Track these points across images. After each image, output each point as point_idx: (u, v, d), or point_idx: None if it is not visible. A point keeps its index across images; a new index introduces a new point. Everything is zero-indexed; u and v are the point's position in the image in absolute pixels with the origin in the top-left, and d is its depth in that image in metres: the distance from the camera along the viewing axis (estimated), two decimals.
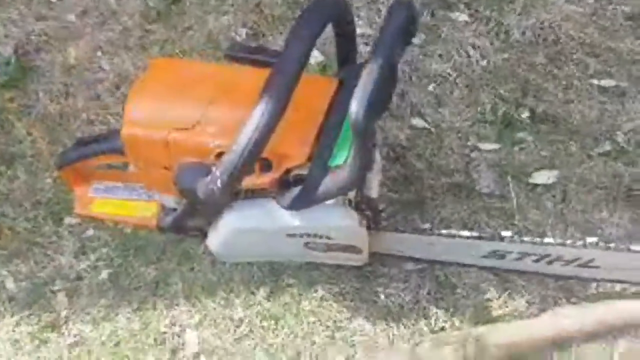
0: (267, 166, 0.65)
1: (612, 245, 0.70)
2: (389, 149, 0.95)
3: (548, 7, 1.02)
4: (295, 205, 0.67)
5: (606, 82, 0.95)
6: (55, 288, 0.88)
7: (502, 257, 0.74)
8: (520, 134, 0.94)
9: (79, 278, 0.89)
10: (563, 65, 0.98)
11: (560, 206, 0.86)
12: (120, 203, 0.86)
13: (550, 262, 0.73)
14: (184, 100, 0.67)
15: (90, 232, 0.94)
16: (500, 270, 0.79)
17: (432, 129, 0.97)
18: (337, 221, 0.70)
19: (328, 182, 0.63)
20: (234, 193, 0.67)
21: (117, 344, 0.83)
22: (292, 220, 0.70)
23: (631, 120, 0.91)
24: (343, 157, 0.64)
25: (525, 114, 0.96)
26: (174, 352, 0.82)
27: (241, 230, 0.73)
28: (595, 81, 0.96)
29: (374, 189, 0.72)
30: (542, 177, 0.89)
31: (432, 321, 0.79)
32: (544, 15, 1.01)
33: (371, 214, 0.73)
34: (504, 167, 0.91)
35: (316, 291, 0.83)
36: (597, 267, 0.71)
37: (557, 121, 0.94)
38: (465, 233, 0.74)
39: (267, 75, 0.59)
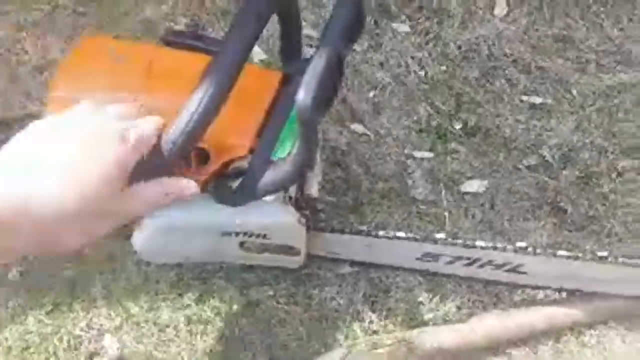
0: (203, 158, 0.61)
1: (539, 251, 0.73)
2: (328, 153, 0.95)
3: (484, 23, 1.06)
4: (234, 201, 0.64)
5: (534, 99, 1.00)
6: None
7: (436, 259, 0.75)
8: (453, 144, 0.97)
9: None
10: (495, 81, 1.02)
11: (489, 214, 0.89)
12: None
13: (481, 266, 0.75)
14: (116, 79, 0.61)
15: None
16: (432, 274, 0.80)
17: (371, 135, 0.98)
18: (275, 218, 0.68)
19: (269, 175, 0.61)
20: None
21: (25, 349, 0.76)
22: (228, 217, 0.66)
23: (556, 136, 0.97)
24: (286, 150, 0.62)
25: (458, 126, 0.99)
26: (90, 357, 0.76)
27: (171, 228, 0.68)
28: (524, 97, 1.00)
29: (313, 189, 0.71)
30: (473, 186, 0.92)
31: (366, 324, 0.78)
32: (480, 31, 1.05)
33: (310, 214, 0.72)
34: (437, 175, 0.93)
35: (249, 295, 0.80)
36: (524, 272, 0.74)
37: (487, 134, 0.98)
38: (402, 234, 0.75)
39: (207, 60, 0.55)
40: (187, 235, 0.70)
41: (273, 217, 0.68)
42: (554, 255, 0.72)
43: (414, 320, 0.79)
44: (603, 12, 1.08)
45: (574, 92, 1.01)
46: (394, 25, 1.08)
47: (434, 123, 0.99)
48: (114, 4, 1.06)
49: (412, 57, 1.06)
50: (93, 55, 0.64)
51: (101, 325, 0.78)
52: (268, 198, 0.65)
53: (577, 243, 0.83)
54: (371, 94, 1.03)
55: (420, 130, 0.98)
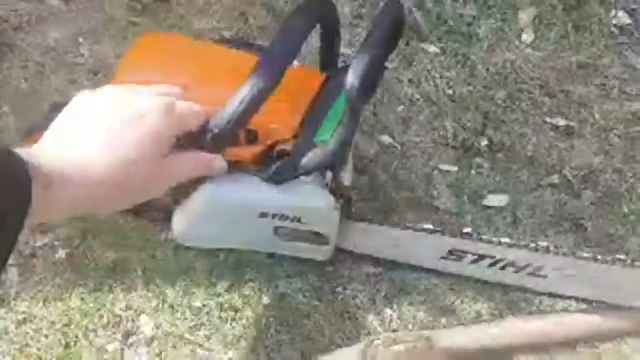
0: (252, 139, 0.67)
1: (563, 251, 0.77)
2: (357, 161, 1.00)
3: (511, 48, 1.11)
4: (278, 176, 0.69)
5: (558, 121, 1.04)
6: (8, 263, 0.86)
7: (459, 259, 0.79)
8: (478, 160, 1.01)
9: (34, 255, 0.88)
10: (521, 102, 1.07)
11: (510, 227, 0.92)
12: None
13: (503, 268, 0.78)
14: (172, 72, 0.67)
15: None
16: (455, 277, 0.83)
17: (398, 147, 1.03)
18: (312, 201, 0.73)
19: (311, 155, 0.67)
20: None
21: (67, 324, 0.82)
22: (268, 196, 0.71)
23: (578, 157, 1.00)
24: (328, 135, 0.69)
25: (483, 142, 1.03)
26: (126, 335, 0.81)
27: (215, 203, 0.72)
28: (548, 119, 1.04)
29: (347, 178, 0.76)
30: (495, 200, 0.95)
31: (387, 322, 0.82)
32: (507, 55, 1.10)
33: (343, 202, 0.76)
34: (461, 188, 0.97)
35: (277, 287, 0.84)
36: (545, 276, 0.78)
37: (512, 151, 1.02)
38: (429, 226, 0.79)
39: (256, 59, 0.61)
40: (226, 219, 0.74)
41: (310, 199, 0.72)
42: (576, 256, 0.75)
43: (433, 322, 0.82)
44: (628, 44, 1.13)
45: (597, 116, 1.05)
46: (425, 46, 1.14)
47: (459, 138, 1.03)
48: (165, 16, 1.14)
49: (441, 77, 1.11)
50: (153, 48, 0.71)
51: (138, 306, 0.83)
52: (306, 182, 0.70)
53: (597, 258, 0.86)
54: (400, 109, 1.08)
55: (447, 145, 1.03)
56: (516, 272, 0.79)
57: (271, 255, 0.86)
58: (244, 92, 0.57)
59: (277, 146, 0.68)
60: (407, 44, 1.13)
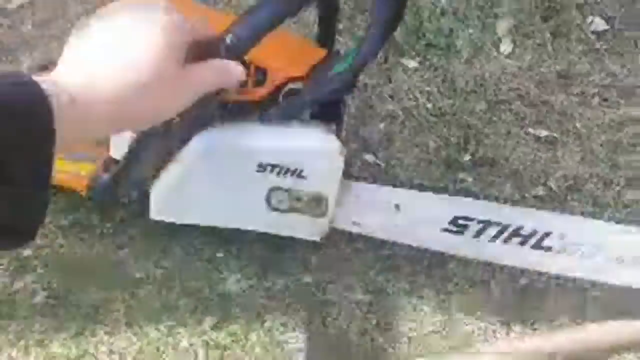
0: (261, 79, 0.66)
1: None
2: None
3: (490, 60, 1.10)
4: (287, 111, 0.67)
5: (540, 132, 1.04)
6: None
7: (464, 228, 0.74)
8: (461, 174, 1.00)
9: (13, 301, 0.85)
10: (502, 114, 1.06)
11: None
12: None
13: (508, 239, 0.75)
14: None
15: (28, 251, 0.89)
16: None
17: (382, 165, 1.02)
18: (319, 143, 0.69)
19: (327, 82, 0.66)
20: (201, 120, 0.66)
21: None
22: (270, 142, 0.68)
23: (561, 168, 1.00)
24: (346, 64, 0.67)
25: (466, 157, 1.02)
26: None
27: (210, 154, 0.69)
28: (530, 130, 1.04)
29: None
30: None
31: (379, 352, 0.81)
32: (487, 67, 1.10)
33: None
34: None
35: (265, 322, 0.83)
36: (551, 248, 0.75)
37: (495, 164, 1.01)
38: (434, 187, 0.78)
39: None
40: (218, 177, 0.70)
41: (316, 142, 0.69)
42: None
43: (424, 348, 0.81)
44: (606, 50, 1.13)
45: (579, 125, 1.05)
46: (404, 61, 1.13)
47: (443, 154, 1.02)
48: None
49: (421, 91, 1.10)
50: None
51: (122, 349, 0.80)
52: (312, 126, 0.69)
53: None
54: (382, 125, 1.07)
55: (430, 161, 1.02)
56: (522, 241, 0.75)
57: (258, 287, 0.84)
58: (266, 4, 0.55)
59: (287, 86, 0.67)
60: (386, 60, 1.12)
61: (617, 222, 0.75)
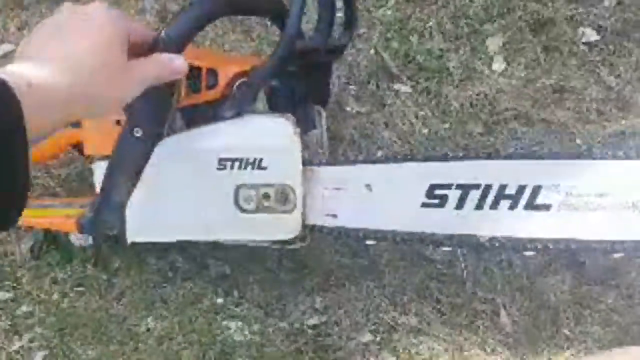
0: (212, 83, 0.69)
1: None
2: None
3: (483, 79, 1.09)
4: (239, 103, 0.68)
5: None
6: None
7: (444, 200, 0.66)
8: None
9: None
10: (499, 135, 1.04)
11: (507, 270, 0.89)
12: (40, 210, 0.84)
13: (495, 203, 0.64)
14: None
15: (24, 308, 0.87)
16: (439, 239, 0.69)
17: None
18: (270, 127, 0.69)
19: (267, 67, 0.67)
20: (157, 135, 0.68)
21: None
22: (226, 137, 0.69)
23: None
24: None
25: None
26: None
27: (172, 158, 0.69)
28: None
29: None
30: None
31: None
32: (480, 87, 1.08)
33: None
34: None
35: None
36: (545, 206, 0.63)
37: None
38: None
39: None
40: (183, 182, 0.70)
41: (268, 127, 0.70)
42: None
43: None
44: (600, 62, 1.11)
45: (578, 141, 1.03)
46: (396, 86, 1.11)
47: None
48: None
49: (416, 116, 1.08)
50: None
51: None
52: (263, 115, 0.70)
53: (598, 297, 0.83)
54: (379, 154, 1.05)
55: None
56: (512, 204, 0.64)
57: (262, 333, 0.81)
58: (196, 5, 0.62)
59: (237, 81, 0.69)
60: (378, 86, 1.10)
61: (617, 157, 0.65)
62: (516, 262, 0.89)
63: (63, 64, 0.44)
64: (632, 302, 0.82)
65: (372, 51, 1.11)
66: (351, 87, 1.10)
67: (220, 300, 0.87)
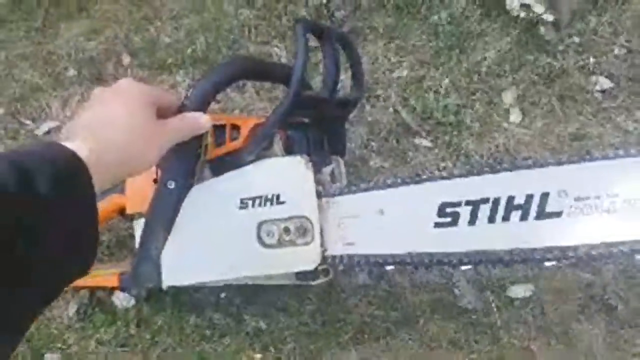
0: (236, 136, 0.76)
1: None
2: (370, 267, 0.99)
3: (501, 131, 1.13)
4: (255, 145, 0.74)
5: None
6: None
7: (455, 217, 0.66)
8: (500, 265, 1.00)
9: None
10: None
11: (539, 318, 0.89)
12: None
13: (506, 216, 0.64)
14: None
15: None
16: (452, 262, 0.68)
17: None
18: (283, 163, 0.75)
19: (277, 109, 0.73)
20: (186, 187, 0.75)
21: None
22: (244, 180, 0.74)
23: None
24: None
25: None
26: None
27: (198, 202, 0.75)
28: None
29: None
30: (519, 291, 0.93)
31: None
32: (499, 139, 1.12)
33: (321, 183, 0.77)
34: (482, 282, 0.95)
35: None
36: (559, 213, 0.61)
37: None
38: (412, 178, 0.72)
39: None
40: (207, 237, 0.75)
41: (282, 164, 0.75)
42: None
43: None
44: (614, 107, 1.15)
45: None
46: (416, 141, 1.16)
47: None
48: None
49: (438, 168, 1.12)
50: None
51: None
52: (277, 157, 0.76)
53: (633, 341, 0.83)
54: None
55: None
56: (524, 214, 0.64)
57: None
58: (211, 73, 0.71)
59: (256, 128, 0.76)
60: (398, 141, 1.15)
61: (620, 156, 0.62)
62: (548, 309, 0.90)
63: (109, 125, 0.53)
64: None
65: (391, 109, 1.17)
66: (373, 143, 1.14)
67: (258, 356, 0.89)
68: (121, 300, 0.98)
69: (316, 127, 0.85)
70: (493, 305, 0.91)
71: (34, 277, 0.41)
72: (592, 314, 0.88)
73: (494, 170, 0.67)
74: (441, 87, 1.18)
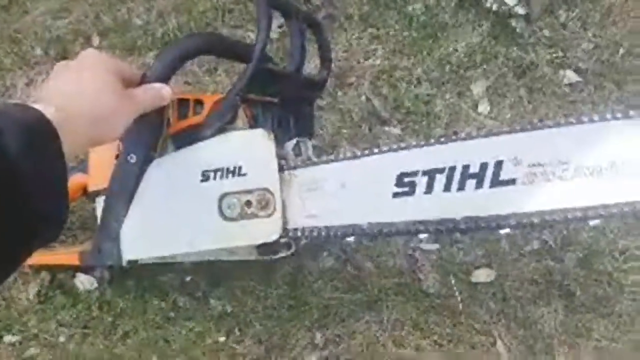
0: (199, 110, 0.75)
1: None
2: (339, 251, 0.99)
3: (470, 121, 1.14)
4: (217, 117, 0.73)
5: None
6: None
7: (412, 187, 0.67)
8: (457, 235, 1.01)
9: None
10: None
11: (501, 304, 0.91)
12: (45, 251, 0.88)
13: (461, 183, 0.64)
14: None
15: (32, 350, 0.89)
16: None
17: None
18: (246, 135, 0.74)
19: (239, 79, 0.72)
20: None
21: None
22: (206, 151, 0.73)
23: None
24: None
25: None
26: None
27: (159, 176, 0.74)
28: None
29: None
30: (482, 276, 0.95)
31: None
32: (467, 129, 1.13)
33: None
34: (446, 267, 0.97)
35: None
36: (513, 180, 0.62)
37: None
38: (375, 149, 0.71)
39: None
40: (168, 210, 0.74)
41: (244, 135, 0.74)
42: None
43: None
44: (580, 101, 1.17)
45: None
46: (387, 128, 1.16)
47: None
48: None
49: (398, 141, 1.13)
50: None
51: None
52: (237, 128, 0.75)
53: (590, 326, 0.85)
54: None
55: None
56: (479, 183, 0.64)
57: None
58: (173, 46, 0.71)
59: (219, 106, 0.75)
60: (370, 129, 1.15)
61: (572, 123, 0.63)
62: (509, 294, 0.92)
63: (76, 93, 0.54)
64: (622, 329, 0.84)
65: (363, 97, 1.17)
66: (344, 130, 1.15)
67: (222, 339, 0.89)
68: (83, 282, 0.97)
69: (283, 107, 0.85)
70: (455, 289, 0.92)
71: (2, 238, 0.40)
72: (552, 300, 0.90)
73: (450, 140, 0.68)
74: (413, 76, 1.19)
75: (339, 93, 1.19)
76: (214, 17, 1.21)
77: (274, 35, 1.18)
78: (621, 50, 1.11)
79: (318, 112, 1.19)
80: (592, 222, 0.67)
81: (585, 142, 0.63)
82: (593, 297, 0.89)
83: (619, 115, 0.63)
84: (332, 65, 0.98)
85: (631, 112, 0.64)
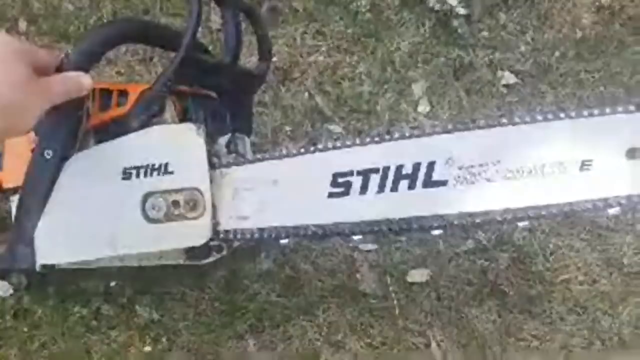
0: (123, 101, 0.70)
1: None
2: (277, 253, 0.97)
3: (410, 121, 1.14)
4: (140, 110, 0.68)
5: None
6: None
7: (347, 187, 0.65)
8: (395, 235, 1.01)
9: None
10: None
11: (435, 304, 0.91)
12: None
13: (394, 183, 0.63)
14: None
15: None
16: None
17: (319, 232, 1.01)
18: (174, 129, 0.69)
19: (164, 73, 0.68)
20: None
21: None
22: (128, 145, 0.68)
23: None
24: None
25: None
26: None
27: (78, 173, 0.68)
28: None
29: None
30: (417, 276, 0.95)
31: None
32: (406, 129, 1.13)
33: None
34: (384, 267, 0.96)
35: None
36: (444, 182, 0.61)
37: None
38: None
39: None
40: (86, 211, 0.69)
41: (172, 130, 0.69)
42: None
43: None
44: (517, 102, 1.19)
45: None
46: (330, 126, 1.15)
47: None
48: None
49: (333, 139, 1.11)
50: None
51: None
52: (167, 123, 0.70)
53: (521, 326, 0.86)
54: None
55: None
56: (411, 182, 0.63)
57: None
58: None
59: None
60: (312, 126, 1.13)
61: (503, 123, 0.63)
62: (444, 293, 0.92)
63: None
64: (552, 328, 0.86)
65: (306, 94, 1.15)
66: (286, 127, 1.12)
67: (148, 349, 0.85)
68: None
69: (219, 101, 0.81)
70: (391, 289, 0.92)
71: None
72: (485, 300, 0.91)
73: (384, 140, 0.66)
74: (356, 74, 1.18)
75: (282, 89, 1.16)
76: (152, 4, 1.16)
77: (214, 25, 1.14)
78: (557, 54, 1.14)
79: (259, 107, 1.16)
80: (521, 224, 0.67)
81: (517, 143, 0.63)
82: (525, 296, 0.91)
83: (550, 116, 0.64)
84: (276, 59, 0.95)
85: (562, 115, 0.64)
